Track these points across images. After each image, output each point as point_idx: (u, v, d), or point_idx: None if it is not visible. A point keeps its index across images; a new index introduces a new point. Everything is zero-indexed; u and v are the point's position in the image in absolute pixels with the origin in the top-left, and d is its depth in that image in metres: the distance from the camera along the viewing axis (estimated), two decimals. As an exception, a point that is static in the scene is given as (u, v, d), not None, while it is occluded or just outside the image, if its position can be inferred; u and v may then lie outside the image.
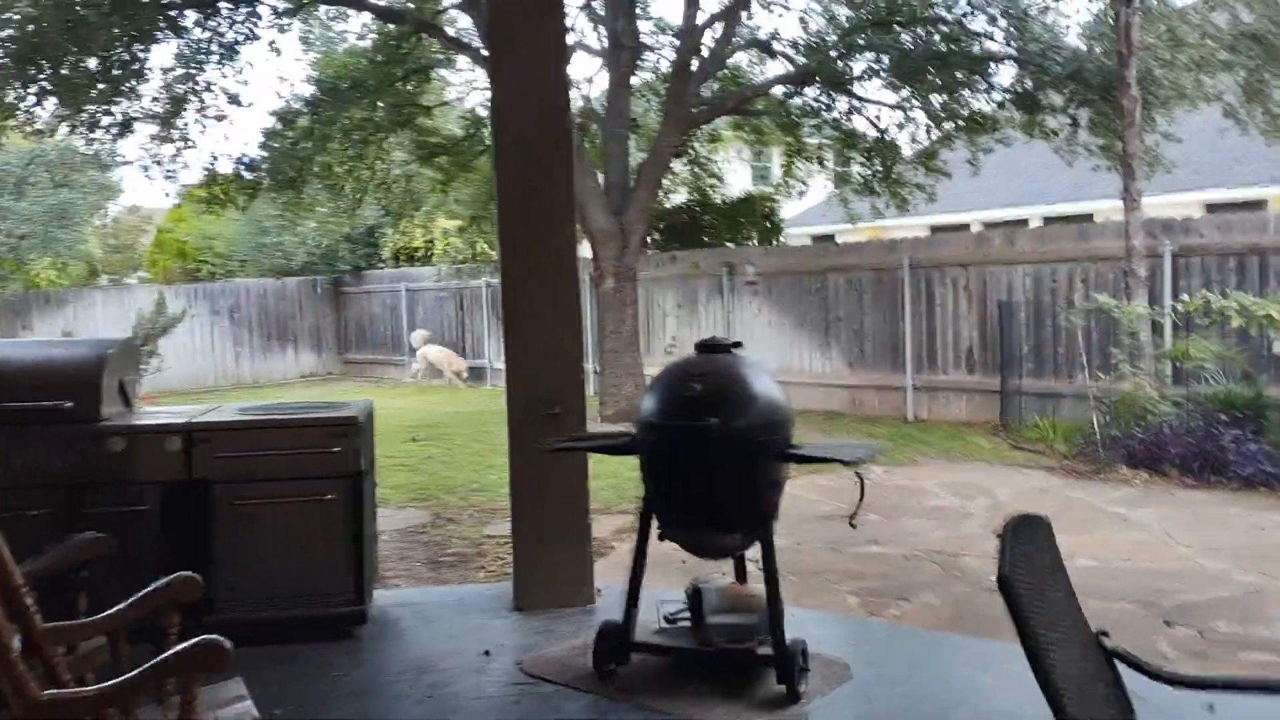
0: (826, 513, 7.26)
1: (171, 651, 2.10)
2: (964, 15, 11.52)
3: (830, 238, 19.34)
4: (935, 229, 17.88)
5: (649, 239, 16.20)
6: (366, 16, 12.88)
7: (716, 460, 3.76)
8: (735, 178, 17.14)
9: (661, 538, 3.98)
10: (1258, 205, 14.84)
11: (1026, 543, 2.25)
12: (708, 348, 4.07)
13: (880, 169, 13.42)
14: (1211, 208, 15.96)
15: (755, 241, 16.19)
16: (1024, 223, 17.46)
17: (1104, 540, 6.44)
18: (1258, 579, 5.50)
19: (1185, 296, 9.06)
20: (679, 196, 16.45)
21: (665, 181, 16.04)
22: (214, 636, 2.08)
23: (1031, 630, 1.95)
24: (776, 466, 3.97)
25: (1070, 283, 10.52)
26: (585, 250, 12.31)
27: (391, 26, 12.24)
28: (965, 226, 18.17)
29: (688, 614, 4.08)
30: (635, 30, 12.32)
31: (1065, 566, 2.42)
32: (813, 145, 14.24)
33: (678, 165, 15.69)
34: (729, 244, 15.63)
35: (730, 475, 3.80)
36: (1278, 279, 9.10)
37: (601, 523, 6.38)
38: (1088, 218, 15.75)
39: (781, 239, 17.04)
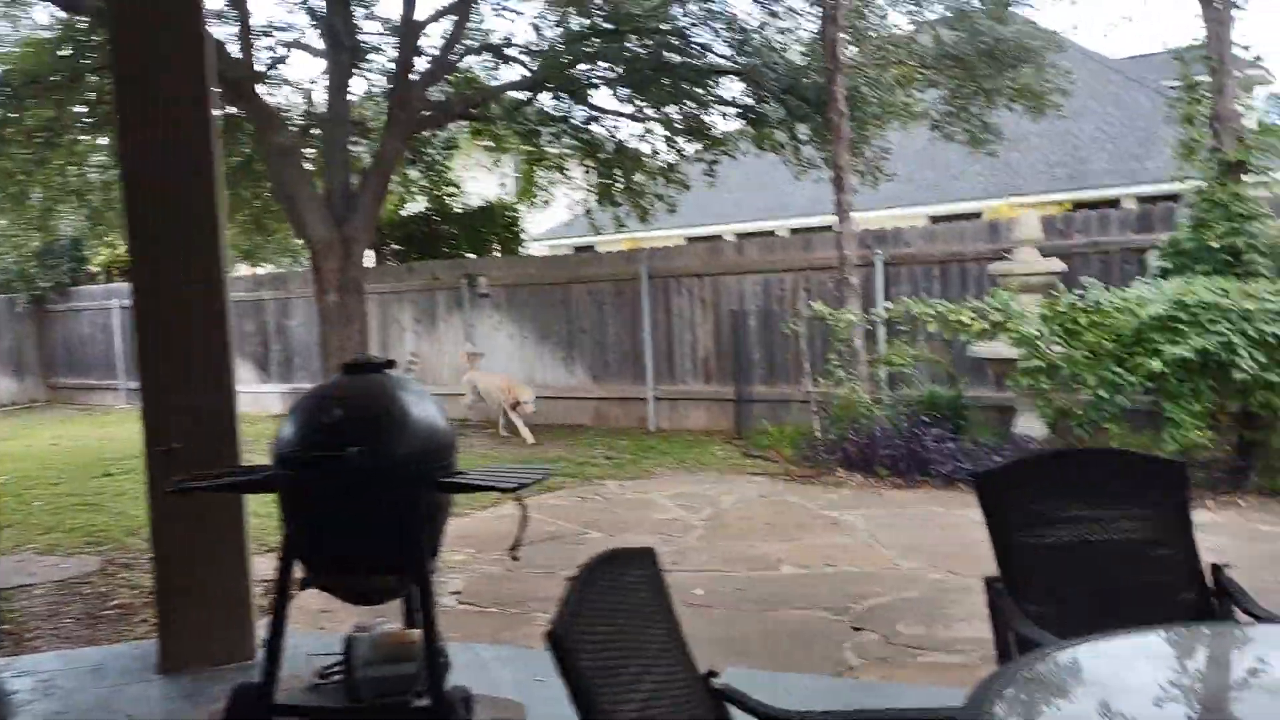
0: (550, 533, 6.99)
1: None
2: (687, 27, 11.65)
3: (590, 249, 19.27)
4: (692, 240, 18.17)
5: (385, 250, 15.51)
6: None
7: (360, 494, 3.35)
8: (479, 186, 16.67)
9: (303, 585, 3.53)
10: (975, 216, 15.94)
11: (611, 586, 1.99)
12: (355, 368, 3.65)
13: (620, 179, 13.39)
14: (936, 219, 17.04)
15: (502, 252, 15.84)
16: (772, 234, 18.05)
17: (811, 546, 6.50)
18: (944, 576, 5.65)
19: (888, 304, 9.44)
20: (418, 206, 15.85)
21: (403, 190, 15.44)
22: None
23: (585, 688, 1.67)
24: (434, 498, 3.61)
25: (795, 291, 10.81)
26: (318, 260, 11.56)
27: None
28: (718, 238, 18.60)
29: (342, 667, 3.65)
30: (353, 28, 11.68)
31: (671, 603, 2.19)
32: (553, 154, 14.04)
33: (415, 173, 15.12)
34: (471, 255, 15.19)
35: (377, 510, 3.40)
36: (976, 285, 9.68)
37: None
38: (827, 229, 16.45)
39: (524, 249, 16.76)
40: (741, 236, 17.92)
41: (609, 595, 1.96)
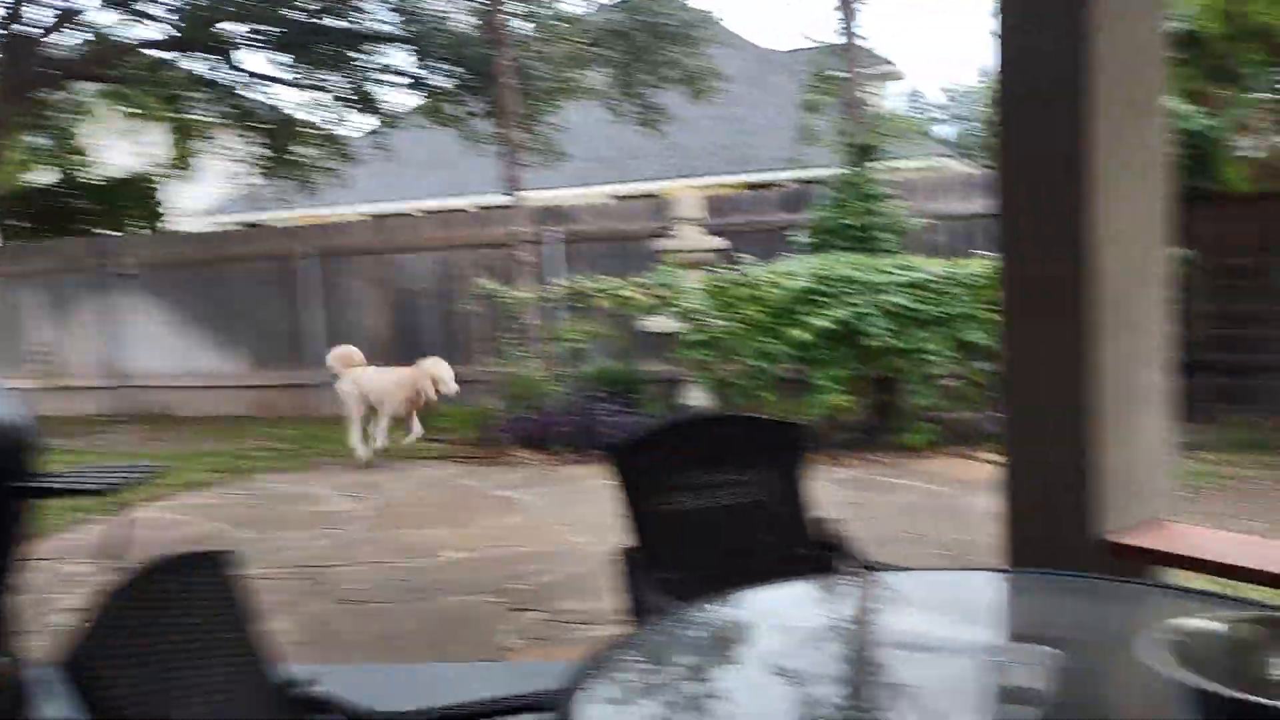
0: (195, 536, 6.34)
1: None
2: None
3: (256, 226, 17.91)
4: (377, 217, 17.35)
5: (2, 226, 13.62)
6: None
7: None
8: (124, 156, 15.00)
9: None
10: (654, 197, 16.38)
11: (164, 597, 1.68)
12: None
13: (281, 151, 12.51)
14: (620, 199, 17.38)
15: (149, 229, 14.36)
16: (463, 212, 17.64)
17: (482, 529, 6.34)
18: (612, 549, 5.67)
19: (559, 282, 9.46)
20: (47, 177, 14.03)
21: (26, 158, 13.59)
22: None
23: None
24: (9, 505, 3.06)
25: (474, 269, 10.59)
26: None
27: None
28: (408, 216, 17.92)
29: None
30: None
31: (248, 607, 1.90)
32: (202, 122, 12.86)
33: (44, 140, 13.35)
34: (111, 232, 13.64)
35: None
36: (650, 263, 9.91)
37: None
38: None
39: (171, 225, 15.29)
40: (429, 214, 17.44)
41: (155, 610, 1.66)
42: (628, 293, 8.19)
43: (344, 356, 8.90)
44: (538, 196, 12.72)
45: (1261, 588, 3.03)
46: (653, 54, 11.61)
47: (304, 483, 8.06)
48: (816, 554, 2.84)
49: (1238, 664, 1.46)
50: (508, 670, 4.08)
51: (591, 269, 9.93)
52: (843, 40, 8.62)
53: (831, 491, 6.83)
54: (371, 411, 8.70)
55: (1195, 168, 7.49)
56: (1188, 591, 2.53)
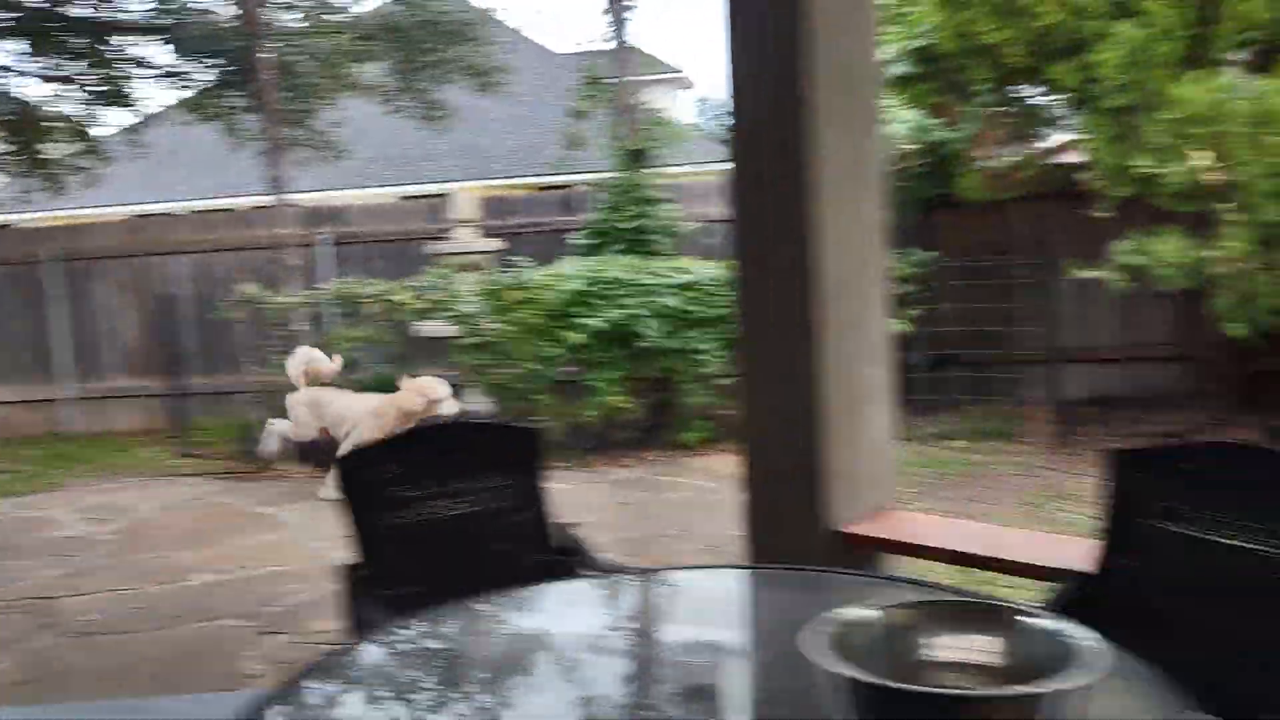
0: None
1: None
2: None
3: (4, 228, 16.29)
4: (140, 219, 16.12)
5: None
6: None
7: None
8: None
9: None
10: (439, 198, 16.04)
11: None
12: None
13: (22, 147, 11.44)
14: (408, 200, 16.92)
15: None
16: (227, 212, 16.65)
17: (238, 548, 5.99)
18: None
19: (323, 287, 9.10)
20: None
21: None
22: None
23: None
24: None
25: (238, 273, 10.01)
26: None
27: None
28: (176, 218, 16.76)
29: None
30: None
31: None
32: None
33: None
34: None
35: None
36: (422, 265, 9.68)
37: None
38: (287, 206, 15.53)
39: None
40: (198, 214, 16.39)
41: None
42: (399, 297, 7.97)
43: (308, 362, 7.38)
44: (315, 197, 12.20)
45: (969, 569, 3.26)
46: (431, 50, 11.37)
47: (43, 506, 7.39)
48: (555, 560, 2.82)
49: (892, 649, 1.52)
50: (237, 701, 3.85)
51: (367, 272, 9.60)
52: (615, 45, 8.71)
53: (607, 492, 6.89)
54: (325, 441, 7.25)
55: (937, 177, 8.03)
56: (894, 580, 2.68)
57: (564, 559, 2.78)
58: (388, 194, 18.14)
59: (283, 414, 8.43)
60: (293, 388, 7.69)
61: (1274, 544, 1.92)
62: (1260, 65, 6.11)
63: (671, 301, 7.62)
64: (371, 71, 11.97)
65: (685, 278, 7.77)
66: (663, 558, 5.21)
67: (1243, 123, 5.17)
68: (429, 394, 6.88)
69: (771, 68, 3.20)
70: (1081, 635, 1.49)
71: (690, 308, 7.67)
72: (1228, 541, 2.01)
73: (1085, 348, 8.42)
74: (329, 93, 11.18)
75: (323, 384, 7.39)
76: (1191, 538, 2.12)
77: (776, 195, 3.25)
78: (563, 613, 2.31)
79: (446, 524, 2.81)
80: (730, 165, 3.37)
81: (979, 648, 1.51)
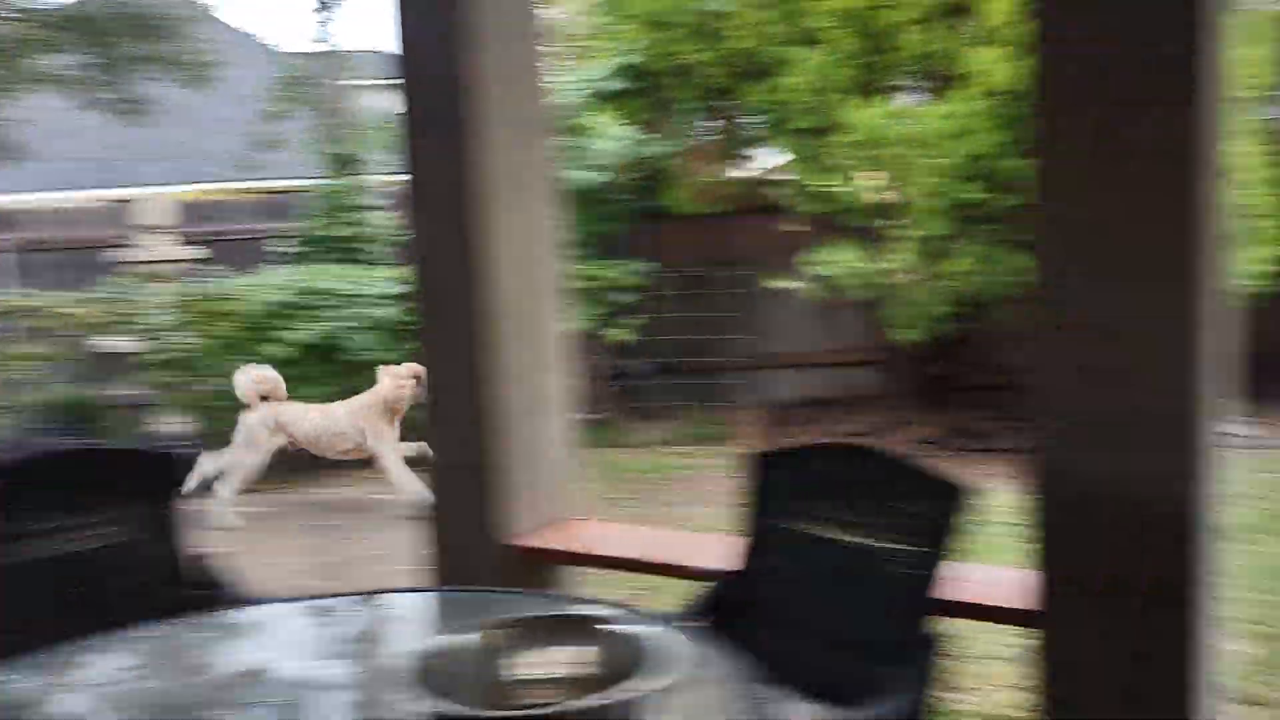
0: None
1: None
2: None
3: None
4: None
5: None
6: None
7: None
8: None
9: None
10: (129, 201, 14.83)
11: None
12: None
13: None
14: (114, 204, 15.50)
15: None
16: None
17: None
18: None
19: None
20: None
21: None
22: None
23: None
24: None
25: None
26: None
27: None
28: None
29: None
30: None
31: None
32: None
33: None
34: None
35: None
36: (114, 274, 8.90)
37: None
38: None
39: None
40: None
41: None
42: (72, 309, 7.25)
43: (260, 380, 6.52)
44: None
45: (647, 575, 3.30)
46: (129, 44, 10.50)
47: None
48: (189, 594, 2.58)
49: (482, 672, 1.47)
50: None
51: (59, 283, 8.69)
52: (323, 47, 8.37)
53: (306, 515, 6.57)
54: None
55: (650, 189, 8.25)
56: (549, 596, 2.66)
57: (199, 592, 2.56)
58: (89, 198, 16.60)
59: None
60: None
61: (874, 536, 2.04)
62: (936, 92, 6.70)
63: (384, 313, 7.37)
64: (64, 65, 10.90)
65: (401, 288, 7.53)
66: (381, 580, 5.01)
67: (906, 146, 5.64)
68: (414, 375, 6.12)
69: (440, 70, 3.12)
70: (668, 638, 1.50)
71: (406, 318, 7.43)
72: (839, 537, 2.12)
73: (792, 353, 8.91)
74: (7, 85, 10.11)
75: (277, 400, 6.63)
76: (813, 535, 2.23)
77: (447, 201, 3.17)
78: (161, 655, 2.11)
79: (65, 561, 2.52)
80: (405, 170, 3.27)
81: (568, 660, 1.49)
